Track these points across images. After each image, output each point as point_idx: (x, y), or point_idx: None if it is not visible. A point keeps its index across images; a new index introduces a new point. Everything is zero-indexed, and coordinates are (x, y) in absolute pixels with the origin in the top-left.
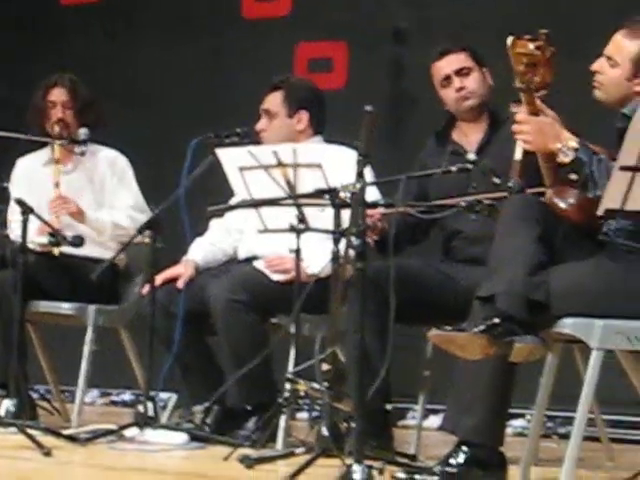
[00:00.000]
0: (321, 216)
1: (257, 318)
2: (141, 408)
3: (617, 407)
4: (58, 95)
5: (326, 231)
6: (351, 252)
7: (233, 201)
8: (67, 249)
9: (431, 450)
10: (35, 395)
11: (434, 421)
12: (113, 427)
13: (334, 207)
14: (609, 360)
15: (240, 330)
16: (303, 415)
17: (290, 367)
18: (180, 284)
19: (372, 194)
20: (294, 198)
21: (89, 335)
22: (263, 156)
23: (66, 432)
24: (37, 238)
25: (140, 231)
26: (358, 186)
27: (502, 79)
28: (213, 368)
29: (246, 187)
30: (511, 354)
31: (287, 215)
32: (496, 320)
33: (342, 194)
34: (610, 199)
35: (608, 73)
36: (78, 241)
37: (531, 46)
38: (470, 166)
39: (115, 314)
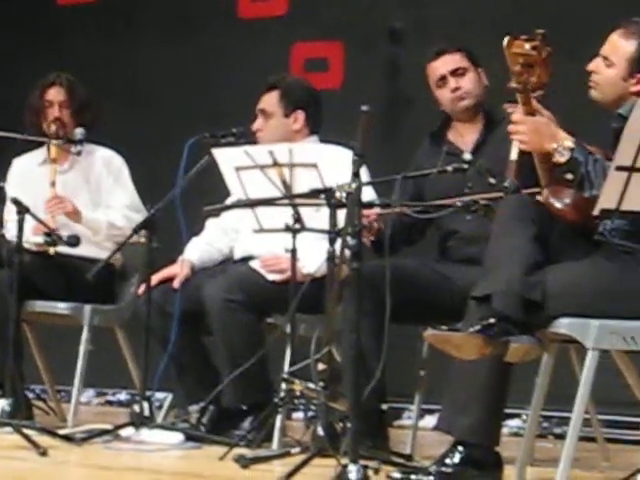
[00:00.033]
0: (317, 216)
1: (253, 318)
2: (137, 408)
3: (613, 407)
4: (55, 94)
5: (322, 231)
6: (347, 252)
7: (229, 201)
8: (63, 249)
9: (427, 450)
10: (31, 395)
11: (430, 421)
12: (109, 427)
13: (330, 207)
14: (605, 360)
15: (236, 330)
16: (299, 415)
17: (286, 367)
18: (176, 284)
19: (368, 194)
20: (290, 198)
21: (85, 335)
22: (259, 156)
23: (62, 432)
24: (33, 238)
25: (136, 231)
26: (354, 186)
27: (498, 79)
28: (209, 368)
29: (242, 187)
30: (507, 354)
31: (283, 215)
32: (492, 320)
33: (338, 194)
34: (606, 199)
35: (604, 73)
36: (74, 241)
37: (527, 46)
38: (466, 166)
39: (111, 314)
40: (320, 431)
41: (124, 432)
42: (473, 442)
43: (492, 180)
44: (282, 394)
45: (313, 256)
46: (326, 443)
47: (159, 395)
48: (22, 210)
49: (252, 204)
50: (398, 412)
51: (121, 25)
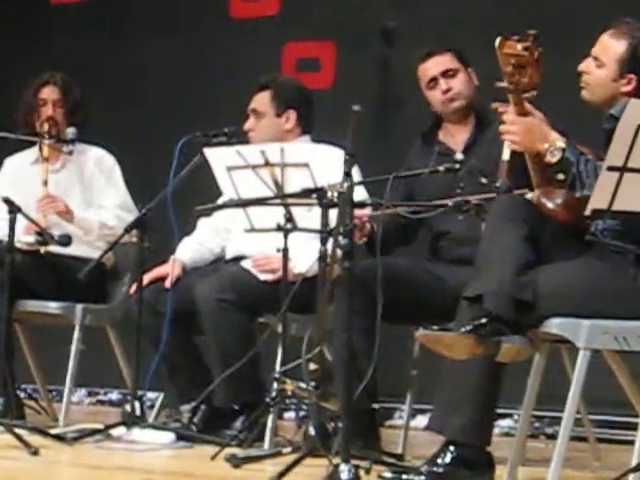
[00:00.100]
0: (308, 216)
1: (245, 318)
2: (128, 407)
3: (604, 407)
4: (49, 93)
5: (313, 230)
6: (338, 251)
7: (221, 200)
8: (54, 248)
9: (418, 450)
10: (22, 394)
11: (421, 421)
12: (100, 426)
13: (321, 206)
14: (596, 360)
15: (228, 329)
16: (290, 415)
17: (277, 367)
18: (167, 284)
19: (359, 194)
20: (282, 197)
21: (76, 334)
22: (251, 156)
23: (53, 431)
24: (24, 237)
25: (127, 230)
26: (345, 185)
27: (490, 79)
28: (200, 367)
29: (234, 187)
30: (498, 354)
31: (275, 214)
32: (483, 320)
33: (329, 193)
34: (597, 199)
35: (594, 73)
36: (65, 240)
37: (519, 47)
38: (457, 166)
39: (102, 313)
40: (312, 431)
41: (115, 432)
42: (464, 442)
43: (484, 180)
44: (274, 394)
45: (305, 256)
46: (317, 443)
47: (151, 395)
48: (14, 209)
49: (244, 204)
50: (389, 412)
51: (113, 25)
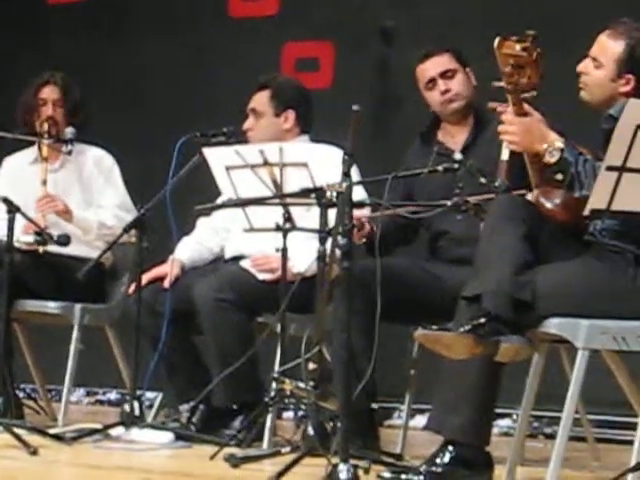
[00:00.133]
0: (307, 215)
1: (243, 317)
2: (127, 407)
3: (603, 407)
4: (49, 93)
5: (312, 230)
6: (337, 251)
7: (220, 200)
8: (53, 248)
9: (417, 450)
10: (21, 394)
11: (420, 421)
12: (99, 426)
13: (320, 206)
14: (595, 360)
15: (226, 329)
16: (289, 414)
17: (276, 366)
18: (166, 283)
19: (358, 193)
20: (280, 197)
21: (75, 334)
22: (250, 155)
23: (52, 431)
24: (23, 237)
25: (126, 230)
26: (344, 185)
27: (489, 79)
28: (199, 367)
29: (233, 186)
30: (497, 354)
31: (273, 214)
32: (482, 320)
33: (328, 193)
34: (596, 199)
35: (593, 74)
36: (64, 240)
37: (518, 47)
38: (456, 166)
39: (101, 313)
40: (310, 430)
41: (114, 431)
42: (463, 442)
43: (483, 180)
44: (272, 393)
45: (303, 255)
46: (316, 442)
47: (149, 394)
48: (12, 209)
49: (243, 203)
50: (388, 412)
51: (111, 25)
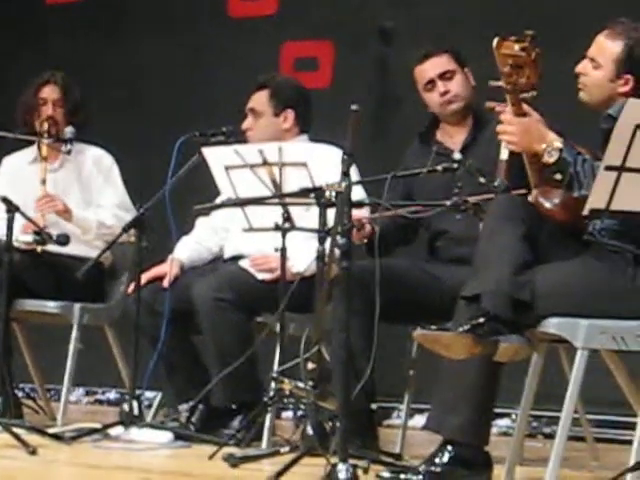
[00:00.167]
0: (306, 215)
1: (243, 317)
2: (126, 407)
3: (602, 407)
4: (50, 93)
5: (311, 230)
6: (336, 251)
7: (219, 200)
8: (52, 247)
9: (416, 449)
10: (20, 394)
11: (419, 420)
12: (98, 426)
13: (319, 206)
14: (594, 360)
15: (225, 329)
16: (288, 414)
17: (275, 366)
18: (165, 283)
19: (357, 193)
20: (280, 197)
21: (74, 333)
22: (249, 155)
23: (51, 431)
24: (22, 236)
25: (125, 230)
26: (343, 185)
27: (488, 79)
28: (198, 367)
29: (232, 186)
30: (496, 354)
31: (273, 214)
32: (481, 320)
33: (327, 193)
34: (595, 199)
35: (591, 75)
36: (63, 239)
37: (516, 47)
38: (456, 165)
39: (100, 313)
40: (309, 430)
41: (113, 431)
42: (462, 442)
43: (482, 180)
44: (271, 393)
45: (302, 255)
46: (315, 442)
47: (148, 394)
48: (12, 209)
49: (242, 203)
50: (387, 411)
51: (110, 24)
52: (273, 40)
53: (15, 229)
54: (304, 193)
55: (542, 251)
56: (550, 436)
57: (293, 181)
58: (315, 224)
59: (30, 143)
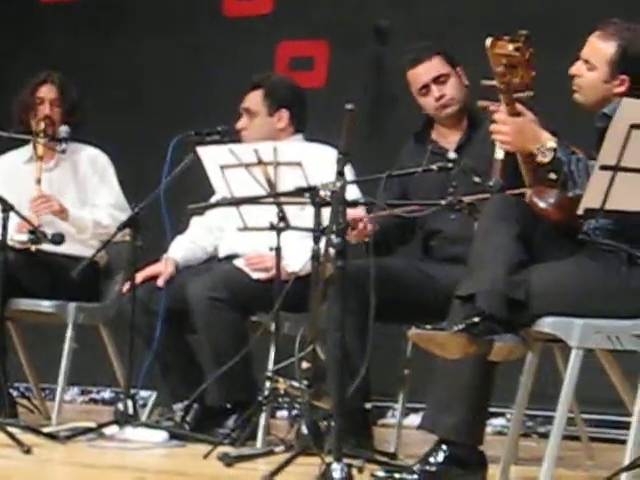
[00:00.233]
0: (301, 214)
1: (237, 316)
2: (121, 406)
3: (597, 406)
4: (47, 92)
5: (306, 229)
6: (331, 250)
7: (214, 199)
8: (47, 247)
9: (411, 449)
10: (15, 393)
11: (414, 420)
12: (93, 425)
13: (314, 205)
14: (589, 359)
15: (220, 328)
16: (283, 413)
17: (270, 365)
18: (160, 282)
19: (352, 193)
20: (274, 196)
21: (69, 333)
22: (244, 154)
23: (46, 430)
24: (17, 235)
25: (120, 229)
26: (338, 184)
27: (486, 78)
28: (193, 366)
29: (227, 185)
30: (491, 353)
31: (268, 213)
32: (476, 319)
33: (322, 192)
34: (590, 198)
35: (586, 76)
36: (58, 239)
37: (510, 47)
38: (451, 165)
39: (95, 312)
40: (304, 429)
41: (108, 430)
42: (457, 441)
43: (477, 179)
44: (266, 392)
45: (297, 254)
46: (310, 441)
47: (143, 393)
48: (6, 208)
49: (237, 202)
50: (382, 411)
51: (108, 25)
52: (268, 39)
53: (10, 228)
54: (299, 192)
55: (537, 251)
56: (545, 435)
57: (288, 180)
58: (310, 223)
59: (25, 142)
